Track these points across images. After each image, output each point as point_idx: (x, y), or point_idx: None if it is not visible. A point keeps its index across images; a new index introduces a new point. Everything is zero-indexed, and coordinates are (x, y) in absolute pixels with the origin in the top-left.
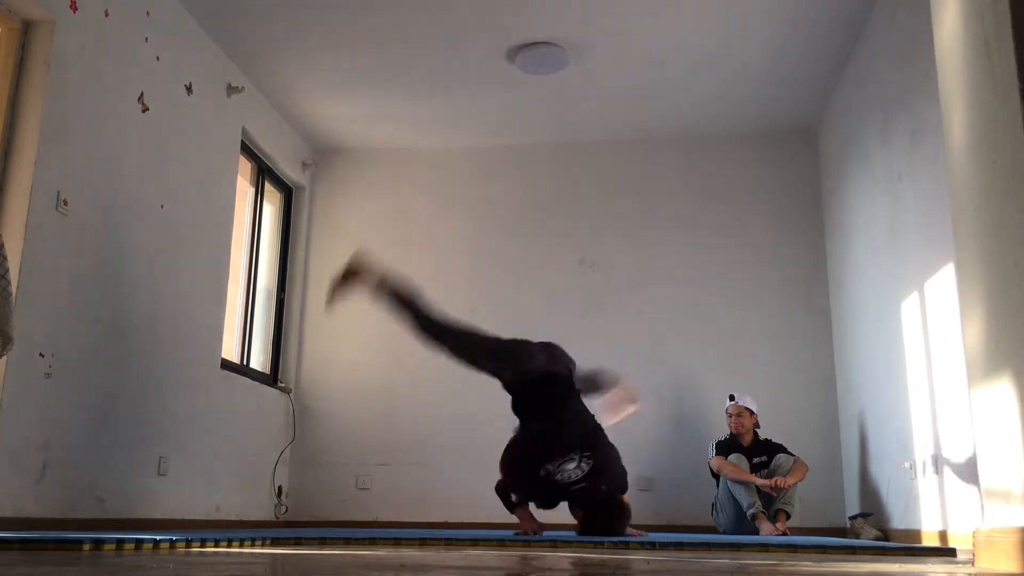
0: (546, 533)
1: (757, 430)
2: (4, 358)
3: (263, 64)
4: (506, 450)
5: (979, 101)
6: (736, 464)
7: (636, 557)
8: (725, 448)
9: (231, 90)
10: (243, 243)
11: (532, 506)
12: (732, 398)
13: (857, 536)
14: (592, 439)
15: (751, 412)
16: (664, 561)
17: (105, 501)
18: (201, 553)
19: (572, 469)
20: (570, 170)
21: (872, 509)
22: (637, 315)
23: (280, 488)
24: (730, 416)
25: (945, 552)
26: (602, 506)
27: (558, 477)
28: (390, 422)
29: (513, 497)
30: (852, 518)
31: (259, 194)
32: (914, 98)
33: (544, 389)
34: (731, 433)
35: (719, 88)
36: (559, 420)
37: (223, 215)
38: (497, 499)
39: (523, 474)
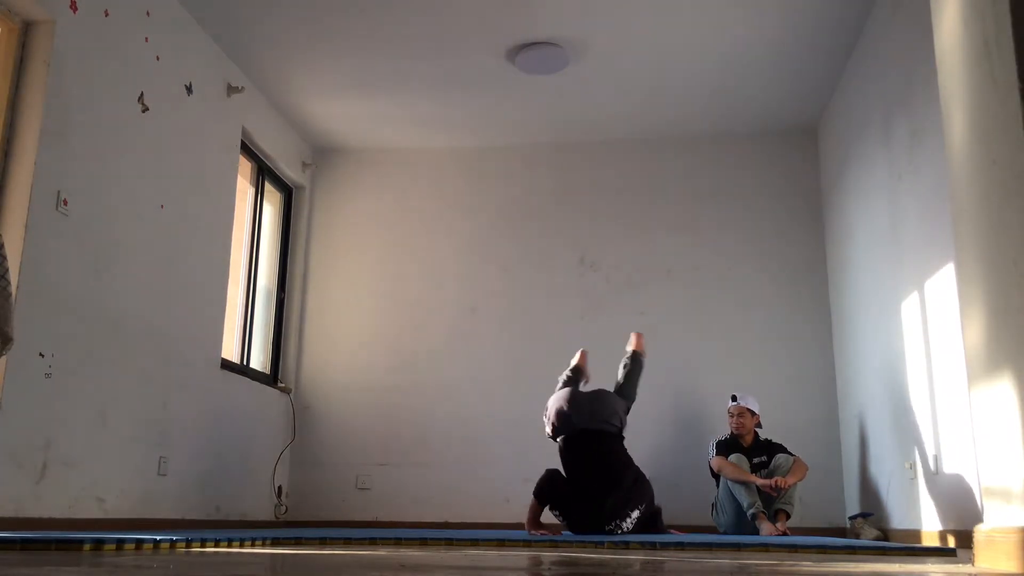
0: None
1: (758, 430)
2: (4, 358)
3: (263, 64)
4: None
5: (979, 101)
6: (736, 464)
7: (636, 557)
8: (725, 448)
9: (231, 90)
10: (243, 243)
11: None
12: (734, 398)
13: (857, 536)
14: (640, 488)
15: (752, 413)
16: (664, 561)
17: (105, 501)
18: (201, 553)
19: (627, 524)
20: (570, 170)
21: (872, 509)
22: (637, 315)
23: (280, 488)
24: (732, 416)
25: (945, 552)
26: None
27: (610, 528)
28: (390, 422)
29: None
30: (852, 518)
31: (259, 194)
32: (914, 98)
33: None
34: (732, 433)
35: (719, 88)
36: (610, 479)
37: (223, 215)
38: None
39: (578, 526)
